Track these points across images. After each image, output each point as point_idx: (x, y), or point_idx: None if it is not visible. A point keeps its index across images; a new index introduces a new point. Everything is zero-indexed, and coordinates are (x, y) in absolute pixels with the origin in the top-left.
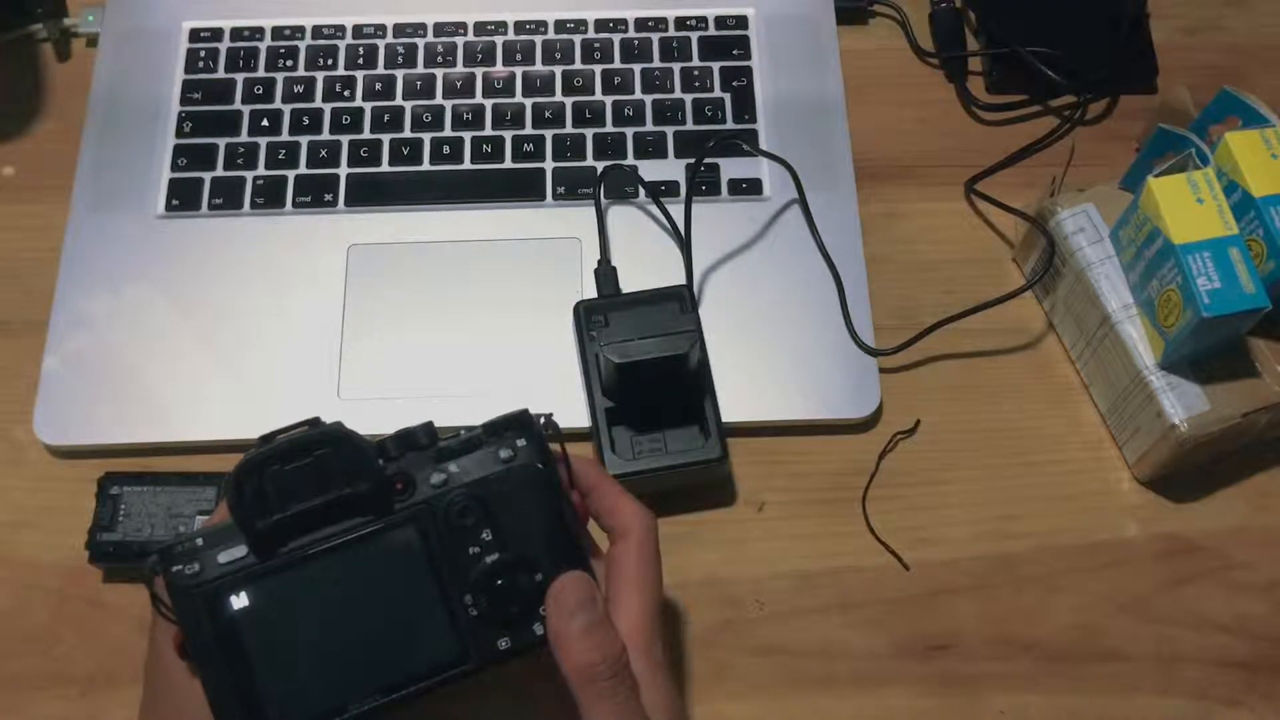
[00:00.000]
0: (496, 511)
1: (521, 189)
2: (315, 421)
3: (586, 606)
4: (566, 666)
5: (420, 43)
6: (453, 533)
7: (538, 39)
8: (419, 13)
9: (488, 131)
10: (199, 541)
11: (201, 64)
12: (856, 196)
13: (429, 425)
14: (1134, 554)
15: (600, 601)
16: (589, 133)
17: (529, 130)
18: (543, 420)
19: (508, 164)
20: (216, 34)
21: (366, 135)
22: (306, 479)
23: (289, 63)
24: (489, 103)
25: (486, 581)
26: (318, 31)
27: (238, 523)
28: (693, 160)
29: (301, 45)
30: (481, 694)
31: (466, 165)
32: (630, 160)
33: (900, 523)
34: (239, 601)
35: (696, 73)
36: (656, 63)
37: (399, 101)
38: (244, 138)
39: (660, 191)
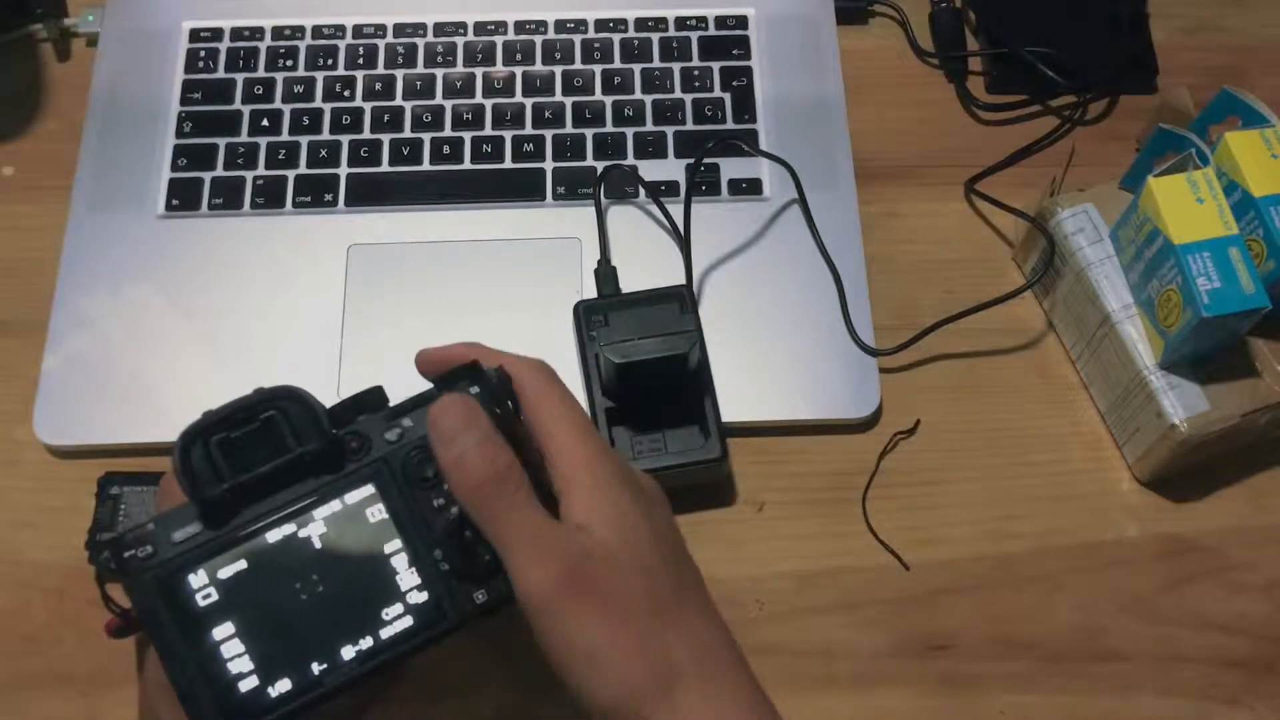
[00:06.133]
0: None
1: (521, 189)
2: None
3: (467, 429)
4: (458, 493)
5: (420, 43)
6: (413, 487)
7: (538, 39)
8: (419, 13)
9: (488, 131)
10: (151, 526)
11: (201, 64)
12: (856, 196)
13: (378, 389)
14: (1134, 554)
15: (485, 421)
16: (589, 133)
17: (529, 130)
18: (495, 378)
19: (508, 164)
20: (216, 34)
21: (366, 135)
22: (256, 443)
23: (289, 63)
24: (489, 103)
25: (454, 534)
26: (318, 31)
27: (187, 494)
28: (693, 160)
29: (301, 45)
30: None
31: (466, 165)
32: (630, 160)
33: (900, 523)
34: (197, 580)
35: (696, 73)
36: (656, 63)
37: (399, 101)
38: (244, 138)
39: (660, 191)
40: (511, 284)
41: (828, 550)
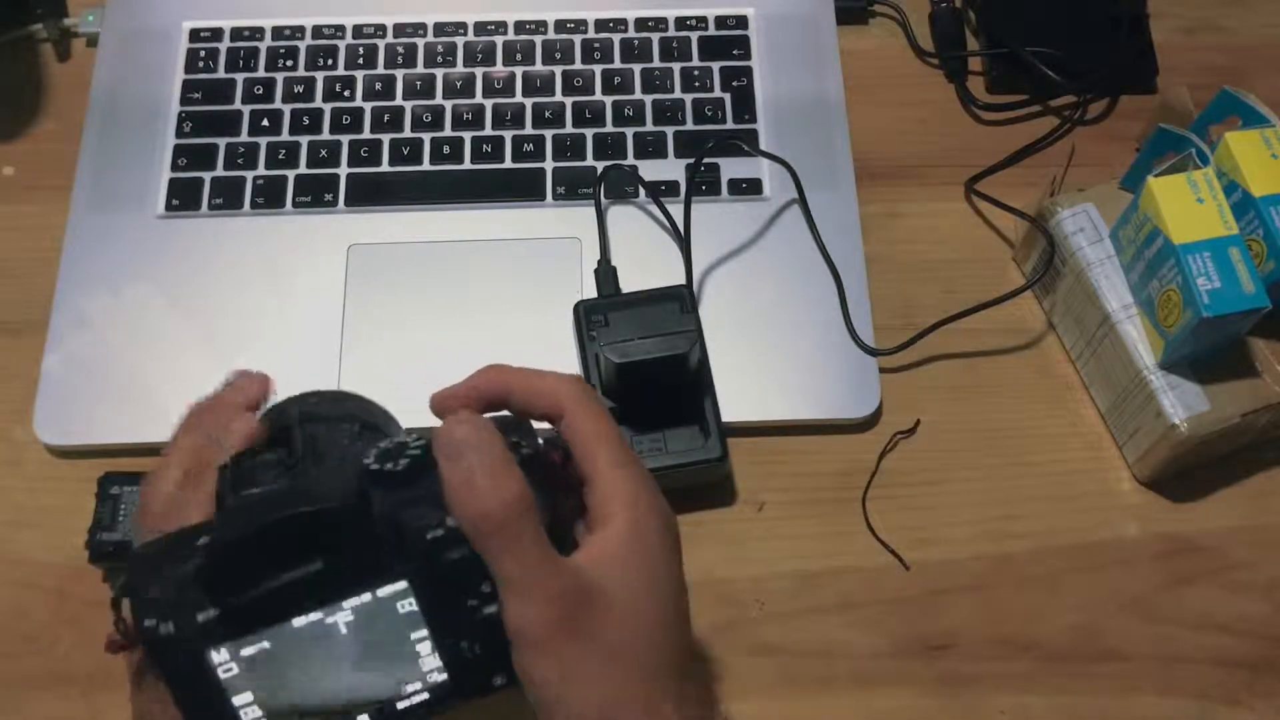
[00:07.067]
0: None
1: (521, 189)
2: (299, 416)
3: (476, 448)
4: (460, 516)
5: (420, 43)
6: (451, 586)
7: (538, 39)
8: (419, 13)
9: (488, 131)
10: (171, 592)
11: (201, 64)
12: (856, 196)
13: (426, 450)
14: (1134, 554)
15: (496, 440)
16: (589, 133)
17: (529, 130)
18: (545, 443)
19: (508, 164)
20: (216, 34)
21: (366, 135)
22: (287, 549)
23: (289, 63)
24: (489, 103)
25: (485, 630)
26: (318, 31)
27: (210, 598)
28: (693, 160)
29: (301, 45)
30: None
31: (466, 165)
32: (630, 160)
33: (900, 523)
34: (219, 656)
35: (696, 73)
36: (656, 63)
37: (399, 101)
38: (244, 138)
39: (660, 191)
40: (511, 284)
41: (828, 550)
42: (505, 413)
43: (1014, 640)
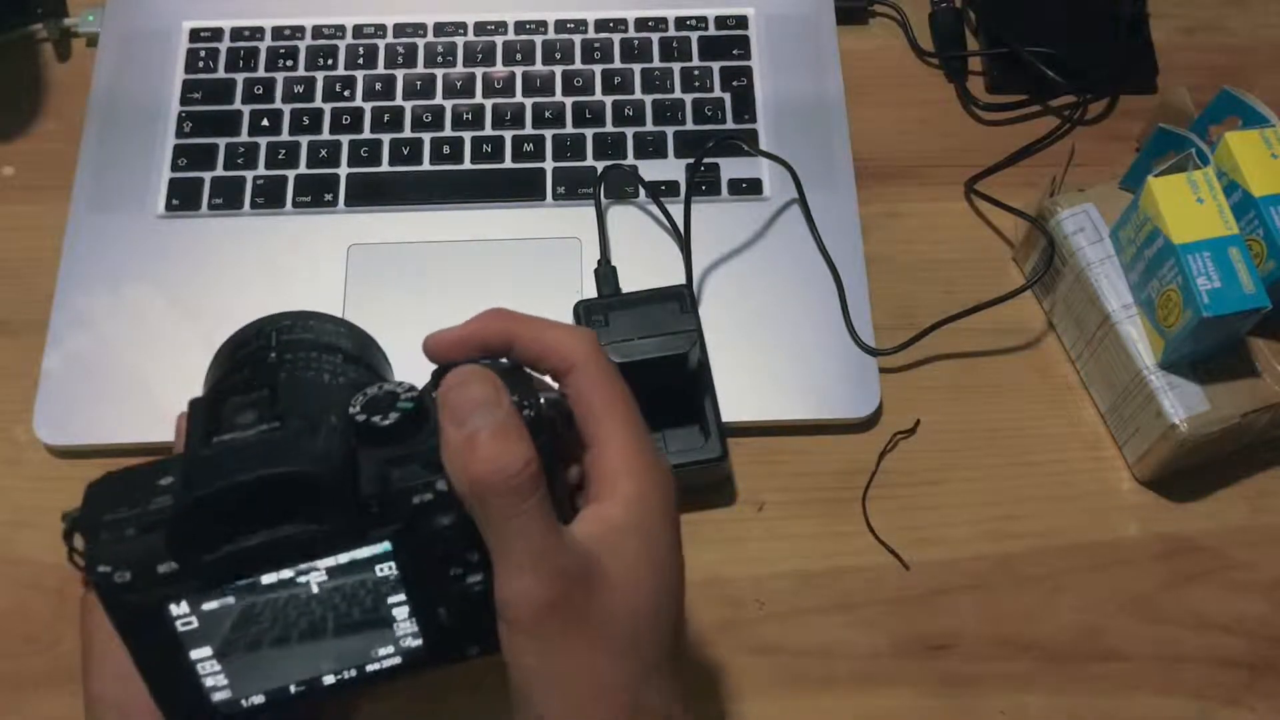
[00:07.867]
0: None
1: (521, 189)
2: (275, 344)
3: (485, 409)
4: (459, 480)
5: (420, 43)
6: (435, 552)
7: (538, 39)
8: (419, 13)
9: (488, 131)
10: (130, 536)
11: (201, 64)
12: (856, 196)
13: (417, 402)
14: (1134, 554)
15: (505, 401)
16: (589, 133)
17: (529, 130)
18: (545, 401)
19: (508, 164)
20: (216, 34)
21: (366, 135)
22: (261, 508)
23: (289, 63)
24: (489, 103)
25: (465, 599)
26: (318, 31)
27: (175, 556)
28: (693, 160)
29: (301, 45)
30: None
31: (466, 165)
32: (630, 160)
33: (900, 523)
34: (178, 609)
35: (696, 73)
36: (656, 63)
37: (399, 101)
38: (244, 138)
39: (660, 191)
40: (511, 284)
41: (828, 550)
42: (503, 361)
43: (1014, 640)
